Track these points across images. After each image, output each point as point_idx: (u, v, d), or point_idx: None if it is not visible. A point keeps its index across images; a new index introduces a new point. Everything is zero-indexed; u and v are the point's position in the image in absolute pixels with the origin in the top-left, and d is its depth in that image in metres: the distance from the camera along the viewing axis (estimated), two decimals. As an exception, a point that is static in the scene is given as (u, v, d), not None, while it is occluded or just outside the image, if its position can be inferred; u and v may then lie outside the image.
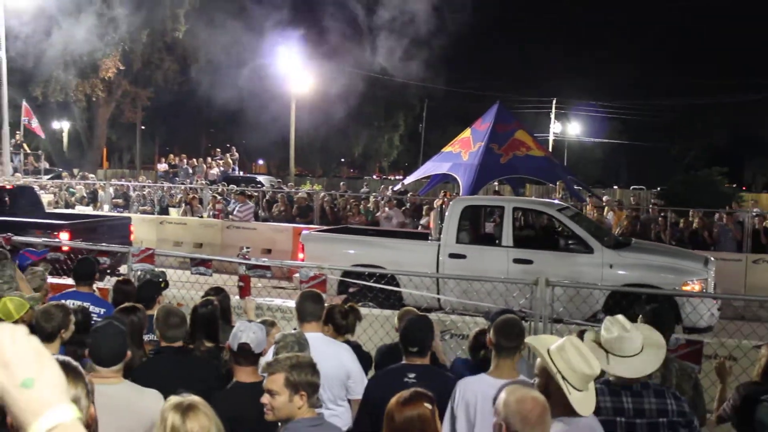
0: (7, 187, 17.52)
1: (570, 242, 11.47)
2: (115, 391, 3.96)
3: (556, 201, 15.74)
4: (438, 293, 10.69)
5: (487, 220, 13.80)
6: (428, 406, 3.32)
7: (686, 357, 6.04)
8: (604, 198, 23.84)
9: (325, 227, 16.28)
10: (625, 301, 8.97)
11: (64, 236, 13.12)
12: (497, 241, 11.81)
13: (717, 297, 10.80)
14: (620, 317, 4.08)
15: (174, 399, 3.17)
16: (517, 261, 11.20)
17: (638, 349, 3.96)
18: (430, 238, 12.36)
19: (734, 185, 41.39)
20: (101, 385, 3.91)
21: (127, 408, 3.92)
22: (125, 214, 20.23)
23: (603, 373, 4.06)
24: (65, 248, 10.93)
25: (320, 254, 11.74)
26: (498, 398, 3.27)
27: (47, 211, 18.24)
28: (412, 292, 9.55)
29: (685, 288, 10.50)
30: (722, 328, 7.95)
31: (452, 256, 11.59)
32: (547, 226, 12.52)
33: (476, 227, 12.77)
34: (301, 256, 12.31)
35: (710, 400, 5.30)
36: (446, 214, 12.00)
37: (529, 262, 11.13)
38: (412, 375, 4.57)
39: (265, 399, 3.65)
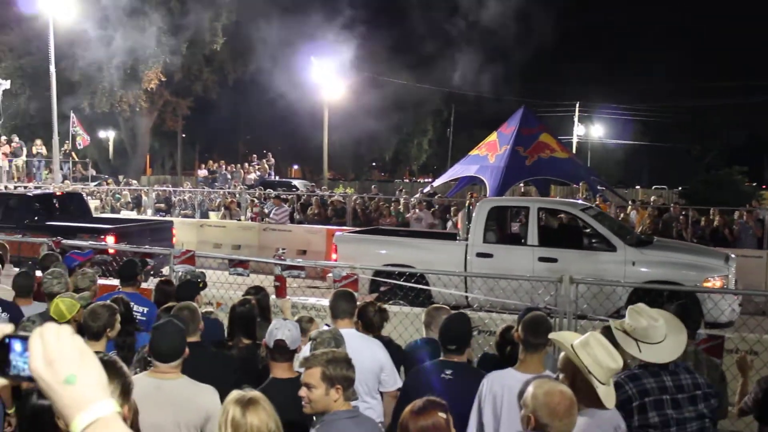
0: (57, 193, 17.76)
1: (593, 241, 11.38)
2: (174, 386, 4.02)
3: (580, 201, 15.61)
4: (466, 291, 10.64)
5: (513, 220, 13.71)
6: (442, 415, 3.22)
7: (708, 351, 5.95)
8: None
9: (357, 228, 16.29)
10: (647, 298, 8.86)
11: (110, 239, 13.26)
12: (523, 241, 11.73)
13: (737, 293, 10.63)
14: (643, 306, 4.09)
15: (236, 393, 3.19)
16: (542, 259, 11.12)
17: (664, 336, 3.98)
18: (458, 238, 12.31)
19: (754, 184, 40.80)
20: (161, 380, 4.00)
21: (185, 402, 3.98)
22: (167, 218, 20.37)
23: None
24: (111, 251, 11.06)
25: (352, 254, 11.73)
26: (526, 392, 3.26)
27: (94, 215, 18.48)
28: (441, 290, 9.52)
29: (706, 284, 10.36)
30: (743, 323, 7.84)
31: (479, 255, 11.52)
32: (570, 225, 12.42)
33: (502, 227, 12.69)
34: (334, 256, 12.32)
35: (732, 394, 5.24)
36: (473, 214, 11.95)
37: (554, 260, 11.03)
38: (449, 372, 4.56)
39: (303, 392, 3.67)
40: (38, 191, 19.19)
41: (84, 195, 20.08)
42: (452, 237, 12.77)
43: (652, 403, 3.86)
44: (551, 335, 3.98)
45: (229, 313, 5.65)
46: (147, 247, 10.72)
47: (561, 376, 3.63)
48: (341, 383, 3.66)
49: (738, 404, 4.95)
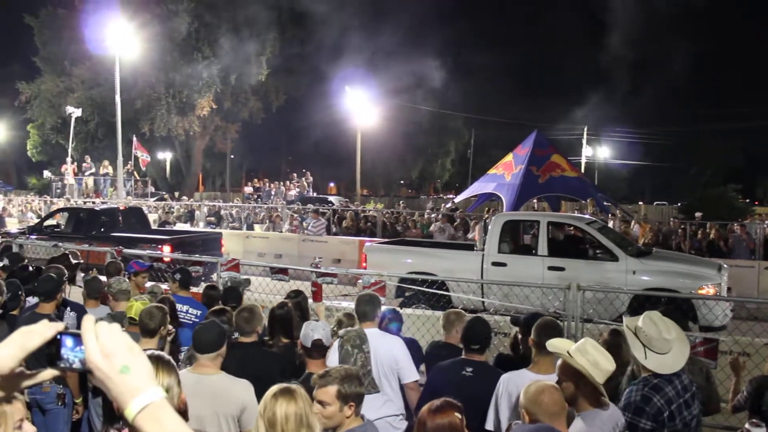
0: (121, 208, 17.97)
1: (597, 251, 11.25)
2: (213, 380, 4.05)
3: (587, 215, 15.43)
4: (482, 297, 10.56)
5: (525, 232, 13.60)
6: (458, 415, 3.12)
7: (704, 353, 5.86)
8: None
9: (385, 240, 16.24)
10: (648, 304, 8.75)
11: (166, 249, 13.37)
12: (534, 251, 11.63)
13: (729, 300, 10.47)
14: (661, 316, 3.99)
15: (276, 386, 3.10)
16: (551, 268, 11.02)
17: (671, 348, 3.89)
18: (475, 248, 12.25)
19: (747, 200, 40.21)
20: (202, 375, 4.03)
21: (222, 394, 4.00)
22: (217, 230, 20.47)
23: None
24: (166, 259, 11.15)
25: (381, 263, 11.71)
26: (521, 392, 3.26)
27: (153, 228, 18.66)
28: (460, 296, 9.47)
29: (700, 291, 10.19)
30: (736, 327, 7.69)
31: (494, 264, 11.44)
32: (577, 237, 12.28)
33: (515, 239, 12.56)
34: (364, 264, 12.30)
35: (726, 392, 5.15)
36: (489, 227, 11.89)
37: (562, 269, 10.93)
38: (469, 369, 4.53)
39: (317, 408, 3.39)
40: (104, 206, 19.46)
41: (144, 209, 20.27)
42: (471, 248, 12.69)
43: (677, 409, 3.80)
44: (548, 345, 3.90)
45: (269, 315, 5.66)
46: (197, 256, 10.79)
47: (564, 383, 3.56)
48: (354, 400, 3.47)
49: (731, 401, 4.87)
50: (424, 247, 13.15)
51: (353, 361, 4.44)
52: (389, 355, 4.94)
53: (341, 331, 4.70)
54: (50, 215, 18.11)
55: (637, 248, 12.03)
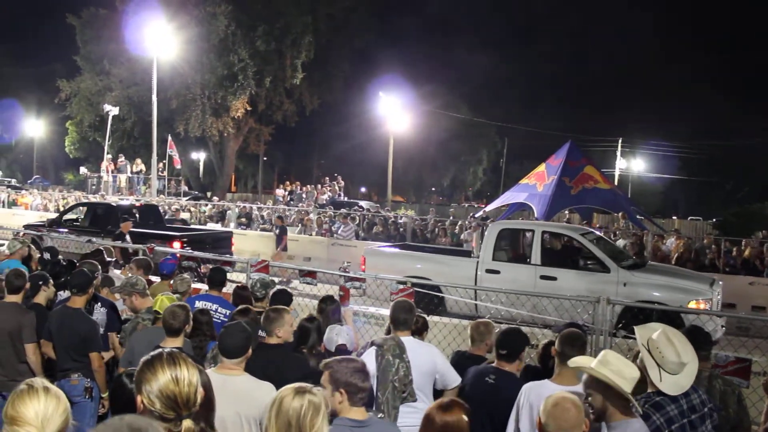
0: (137, 204, 18.40)
1: (589, 262, 11.35)
2: (237, 381, 4.03)
3: (589, 228, 15.03)
4: (476, 301, 10.52)
5: (520, 241, 13.55)
6: (465, 417, 3.24)
7: (735, 373, 5.75)
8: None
9: (385, 244, 16.35)
10: (642, 316, 8.72)
11: (176, 245, 13.56)
12: (527, 260, 11.75)
13: (721, 315, 10.34)
14: (683, 339, 3.86)
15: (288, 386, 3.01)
16: (543, 277, 11.14)
17: (684, 369, 3.81)
18: (472, 255, 12.33)
19: (784, 218, 39.40)
20: (227, 376, 4.00)
21: (245, 396, 3.97)
22: (227, 229, 20.32)
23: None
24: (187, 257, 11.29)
25: (379, 266, 11.87)
26: (542, 403, 3.24)
27: (167, 224, 18.99)
28: (457, 299, 9.55)
29: (690, 305, 10.16)
30: (770, 347, 7.53)
31: (488, 271, 11.63)
32: (571, 247, 12.25)
33: (510, 247, 12.61)
34: (363, 267, 12.40)
35: (758, 414, 5.03)
36: (485, 235, 11.97)
37: (554, 278, 11.05)
38: (492, 377, 4.51)
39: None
40: (121, 202, 19.93)
41: (159, 207, 20.78)
42: (469, 254, 12.80)
43: (678, 429, 3.70)
44: (570, 363, 3.85)
45: (298, 326, 5.64)
46: (227, 255, 10.89)
47: (591, 397, 3.51)
48: (344, 388, 3.45)
49: (763, 424, 4.75)
50: (421, 252, 13.25)
51: (395, 370, 4.41)
52: (429, 362, 4.85)
53: (377, 340, 4.62)
54: (69, 209, 18.61)
55: (632, 261, 12.03)
